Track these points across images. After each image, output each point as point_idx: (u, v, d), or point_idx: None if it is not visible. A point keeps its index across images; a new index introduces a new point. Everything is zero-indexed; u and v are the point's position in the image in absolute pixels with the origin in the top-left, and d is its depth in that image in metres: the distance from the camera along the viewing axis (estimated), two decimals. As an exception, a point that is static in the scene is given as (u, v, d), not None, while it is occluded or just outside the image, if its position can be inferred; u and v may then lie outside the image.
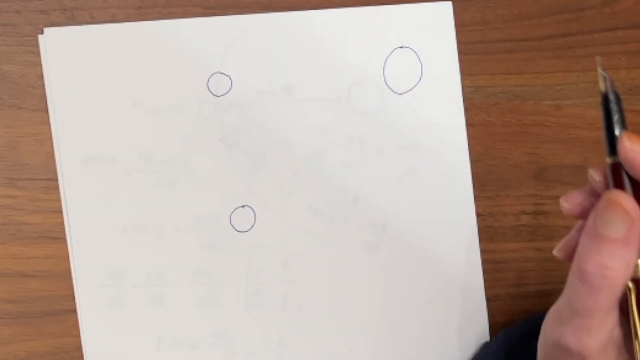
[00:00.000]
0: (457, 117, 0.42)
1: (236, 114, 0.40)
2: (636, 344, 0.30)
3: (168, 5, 0.41)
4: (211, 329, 0.40)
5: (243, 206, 0.40)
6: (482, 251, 0.41)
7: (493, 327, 0.42)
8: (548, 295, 0.42)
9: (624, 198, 0.29)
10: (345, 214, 0.41)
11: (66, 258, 0.40)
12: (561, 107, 0.43)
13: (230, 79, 0.40)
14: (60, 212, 0.40)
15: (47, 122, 0.40)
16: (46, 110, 0.40)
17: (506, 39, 0.43)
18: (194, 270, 0.40)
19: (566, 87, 0.43)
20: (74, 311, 0.40)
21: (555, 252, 0.33)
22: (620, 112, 0.31)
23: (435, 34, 0.41)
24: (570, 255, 0.31)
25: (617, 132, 0.30)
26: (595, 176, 0.32)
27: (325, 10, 0.41)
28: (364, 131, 0.41)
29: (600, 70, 0.31)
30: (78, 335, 0.40)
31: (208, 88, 0.40)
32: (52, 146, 0.40)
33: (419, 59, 0.41)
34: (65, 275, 0.40)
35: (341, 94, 0.41)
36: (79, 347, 0.40)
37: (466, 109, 0.42)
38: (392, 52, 0.41)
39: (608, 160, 0.31)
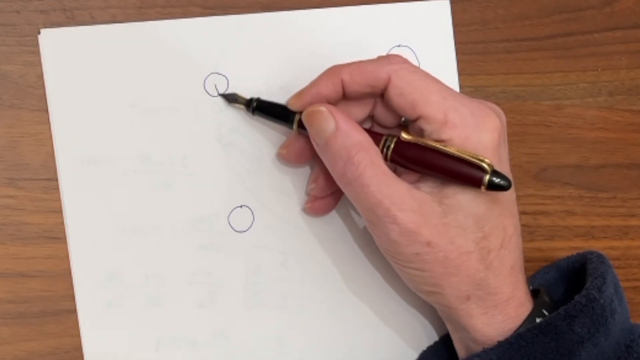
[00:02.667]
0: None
1: (233, 114, 0.40)
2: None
3: (168, 5, 0.41)
4: (210, 329, 0.40)
5: (241, 206, 0.40)
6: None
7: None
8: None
9: (311, 107, 0.35)
10: (344, 214, 0.41)
11: (66, 258, 0.40)
12: (561, 107, 0.43)
13: (227, 79, 0.40)
14: (60, 212, 0.40)
15: (47, 122, 0.40)
16: (46, 110, 0.40)
17: (506, 39, 0.43)
18: (192, 270, 0.40)
19: (566, 87, 0.43)
20: (73, 311, 0.40)
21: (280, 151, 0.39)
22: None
23: (432, 32, 0.41)
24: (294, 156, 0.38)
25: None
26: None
27: (322, 9, 0.41)
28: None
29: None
30: (78, 335, 0.40)
31: (205, 88, 0.40)
32: (52, 146, 0.40)
33: (416, 57, 0.41)
34: (65, 275, 0.40)
35: (339, 93, 0.41)
36: (79, 347, 0.40)
37: (466, 109, 0.42)
38: (389, 50, 0.41)
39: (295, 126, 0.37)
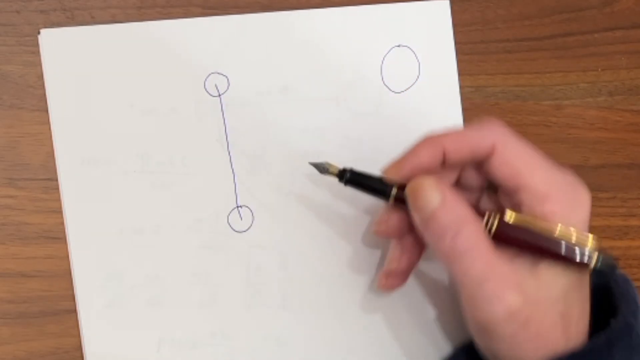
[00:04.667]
0: (455, 115, 0.42)
1: (234, 114, 0.40)
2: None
3: (168, 5, 0.41)
4: (210, 329, 0.40)
5: (241, 206, 0.40)
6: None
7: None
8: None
9: (415, 181, 0.34)
10: (344, 214, 0.41)
11: (66, 258, 0.40)
12: (561, 107, 0.43)
13: (227, 79, 0.40)
14: (60, 212, 0.40)
15: (47, 122, 0.40)
16: (46, 110, 0.40)
17: (506, 39, 0.43)
18: (192, 270, 0.40)
19: (566, 87, 0.43)
20: (73, 311, 0.40)
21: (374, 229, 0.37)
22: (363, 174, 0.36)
23: (432, 32, 0.41)
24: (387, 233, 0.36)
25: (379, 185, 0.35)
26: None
27: (322, 9, 0.41)
28: (362, 131, 0.41)
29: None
30: (78, 335, 0.40)
31: (205, 88, 0.40)
32: (52, 146, 0.40)
33: (417, 57, 0.41)
34: (65, 275, 0.40)
35: (339, 93, 0.41)
36: (79, 347, 0.40)
37: (466, 109, 0.42)
38: (389, 50, 0.41)
39: (391, 200, 0.35)
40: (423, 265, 0.41)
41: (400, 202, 0.35)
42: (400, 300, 0.41)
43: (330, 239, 0.41)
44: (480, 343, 0.35)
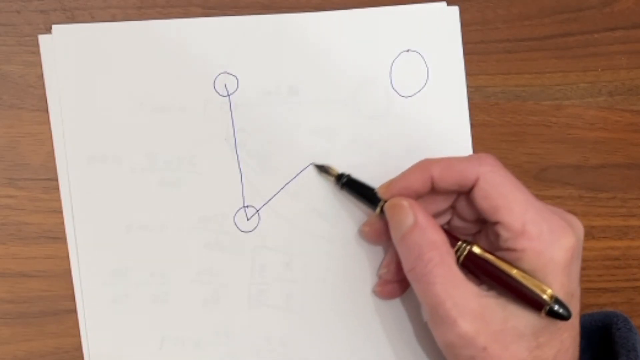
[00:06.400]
0: (463, 120, 0.42)
1: (242, 114, 0.40)
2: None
3: (168, 5, 0.41)
4: (214, 328, 0.40)
5: (247, 206, 0.40)
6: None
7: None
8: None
9: (395, 199, 0.36)
10: (350, 216, 0.41)
11: (66, 258, 0.40)
12: (561, 107, 0.43)
13: (237, 79, 0.40)
14: (60, 212, 0.40)
15: (47, 122, 0.40)
16: (46, 110, 0.40)
17: (506, 39, 0.43)
18: (197, 269, 0.40)
19: (566, 87, 0.43)
20: (74, 311, 0.40)
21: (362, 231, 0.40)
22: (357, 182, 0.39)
23: (441, 38, 0.41)
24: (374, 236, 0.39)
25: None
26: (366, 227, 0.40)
27: (332, 12, 0.41)
28: (370, 134, 0.41)
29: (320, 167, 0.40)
30: (78, 335, 0.40)
31: (214, 88, 0.40)
32: (52, 146, 0.40)
33: (425, 62, 0.41)
34: (65, 275, 0.40)
35: (347, 96, 0.41)
36: (79, 347, 0.40)
37: (466, 109, 0.42)
38: (398, 55, 0.41)
39: (378, 210, 0.37)
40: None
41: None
42: (403, 302, 0.41)
43: (335, 241, 0.41)
44: None
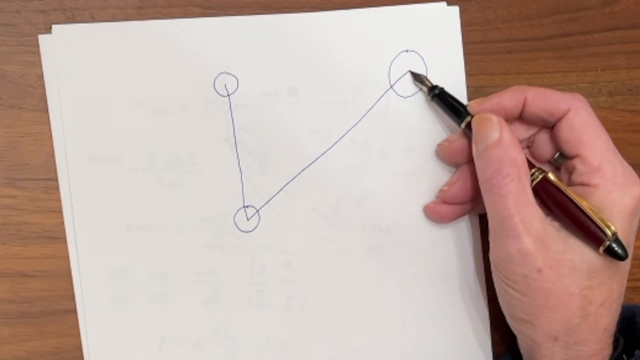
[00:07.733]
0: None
1: (242, 114, 0.40)
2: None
3: (168, 5, 0.41)
4: (214, 328, 0.40)
5: (247, 206, 0.40)
6: (485, 252, 0.41)
7: (494, 328, 0.42)
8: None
9: (485, 114, 0.37)
10: (349, 216, 0.41)
11: (66, 258, 0.40)
12: (561, 107, 0.43)
13: (236, 79, 0.40)
14: (60, 212, 0.40)
15: (47, 122, 0.40)
16: (46, 110, 0.40)
17: (506, 39, 0.43)
18: (197, 269, 0.40)
19: (566, 87, 0.43)
20: (74, 311, 0.40)
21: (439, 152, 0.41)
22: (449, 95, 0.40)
23: (441, 38, 0.41)
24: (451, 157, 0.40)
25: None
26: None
27: (332, 12, 0.41)
28: (369, 134, 0.41)
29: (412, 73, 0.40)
30: (78, 335, 0.40)
31: (214, 88, 0.40)
32: (52, 146, 0.40)
33: (425, 63, 0.41)
34: (65, 275, 0.40)
35: (346, 96, 0.41)
36: (79, 347, 0.40)
37: (466, 109, 0.42)
38: (397, 55, 0.41)
39: (463, 124, 0.38)
40: (427, 269, 0.41)
41: (470, 130, 0.38)
42: (403, 303, 0.41)
43: (335, 241, 0.41)
44: (500, 289, 0.36)
